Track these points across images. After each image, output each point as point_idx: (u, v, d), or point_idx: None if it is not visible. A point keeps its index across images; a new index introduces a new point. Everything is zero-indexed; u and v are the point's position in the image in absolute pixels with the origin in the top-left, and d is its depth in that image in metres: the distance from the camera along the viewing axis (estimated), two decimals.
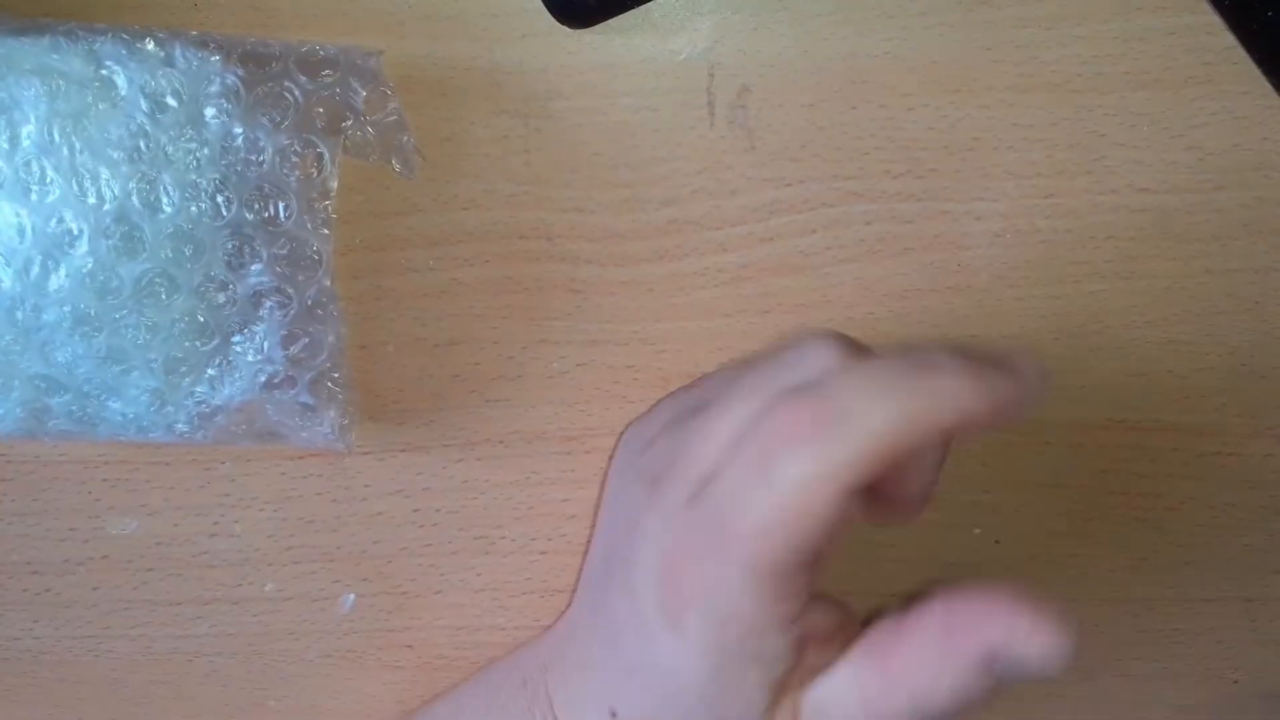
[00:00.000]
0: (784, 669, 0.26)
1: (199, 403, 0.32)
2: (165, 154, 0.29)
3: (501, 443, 0.39)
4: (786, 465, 0.23)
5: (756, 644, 0.25)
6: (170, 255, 0.30)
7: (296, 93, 0.31)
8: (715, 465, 0.25)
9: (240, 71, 0.30)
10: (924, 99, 0.35)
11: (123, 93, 0.29)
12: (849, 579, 0.39)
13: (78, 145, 0.29)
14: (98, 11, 0.35)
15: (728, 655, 0.25)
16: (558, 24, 0.34)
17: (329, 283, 0.33)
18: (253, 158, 0.30)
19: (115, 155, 0.29)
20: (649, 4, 0.34)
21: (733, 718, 0.26)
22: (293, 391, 0.32)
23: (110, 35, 0.30)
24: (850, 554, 0.39)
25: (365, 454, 0.39)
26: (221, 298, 0.31)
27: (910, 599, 0.27)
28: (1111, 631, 0.40)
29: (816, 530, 0.23)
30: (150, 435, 0.33)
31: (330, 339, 0.33)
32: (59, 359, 0.31)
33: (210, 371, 0.32)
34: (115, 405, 0.33)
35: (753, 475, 0.23)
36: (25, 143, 0.29)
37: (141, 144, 0.29)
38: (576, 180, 0.36)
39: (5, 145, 0.29)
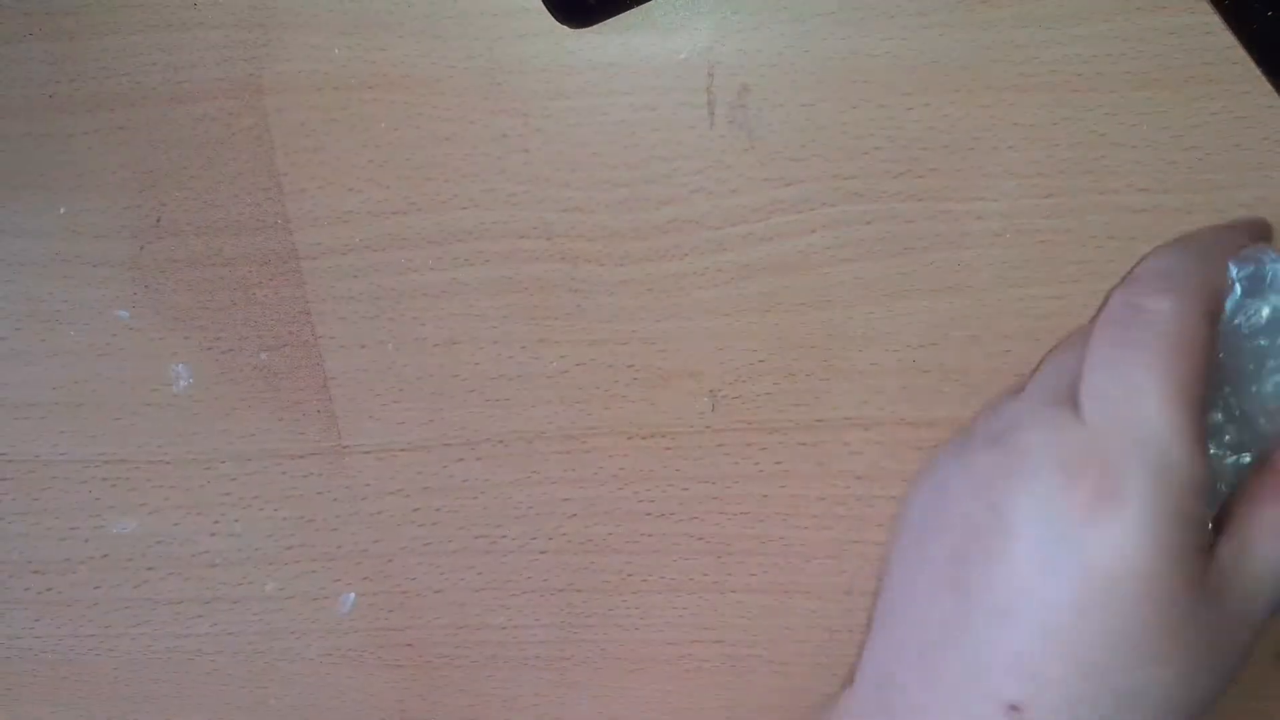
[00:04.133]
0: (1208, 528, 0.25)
1: None
2: None
3: (501, 442, 0.39)
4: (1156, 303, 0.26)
5: (1194, 499, 0.24)
6: None
7: None
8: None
9: None
10: (924, 98, 0.35)
11: None
12: (852, 580, 0.39)
13: None
14: (97, 12, 0.35)
15: (1169, 519, 0.24)
16: (558, 23, 0.34)
17: None
18: None
19: None
20: (649, 3, 0.34)
21: (1177, 599, 0.24)
22: None
23: None
24: (851, 554, 0.39)
25: (365, 454, 0.40)
26: None
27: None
28: None
29: (1202, 349, 0.25)
30: None
31: None
32: None
33: None
34: None
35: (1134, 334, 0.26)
36: None
37: None
38: (576, 179, 0.36)
39: None
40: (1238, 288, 0.34)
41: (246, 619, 0.42)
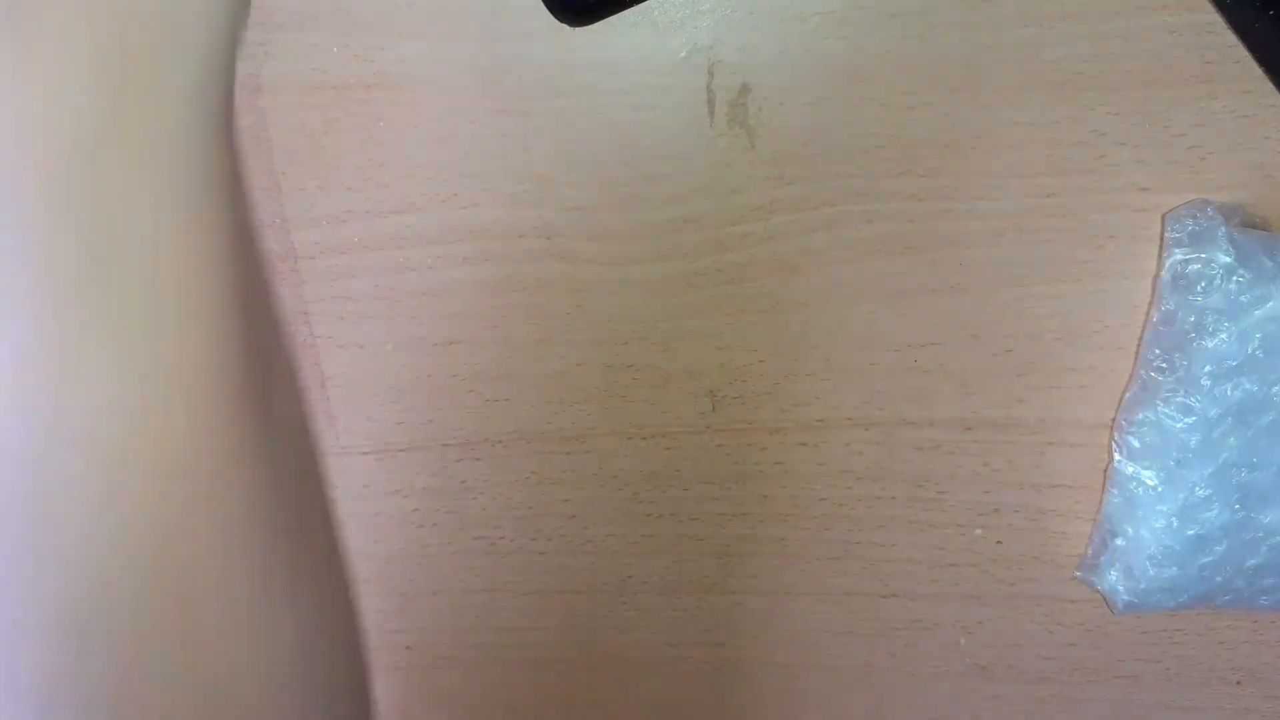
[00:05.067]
0: None
1: None
2: None
3: (501, 443, 0.39)
4: None
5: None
6: None
7: None
8: None
9: None
10: (925, 97, 0.35)
11: None
12: (852, 580, 0.39)
13: None
14: None
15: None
16: (558, 22, 0.34)
17: None
18: None
19: None
20: (649, 2, 0.34)
21: None
22: None
23: None
24: (852, 555, 0.39)
25: (364, 454, 0.39)
26: None
27: None
28: (1113, 632, 0.40)
29: None
30: None
31: None
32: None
33: None
34: None
35: None
36: None
37: None
38: (576, 179, 0.36)
39: None
40: (1174, 245, 0.35)
41: None
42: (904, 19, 0.34)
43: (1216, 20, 0.34)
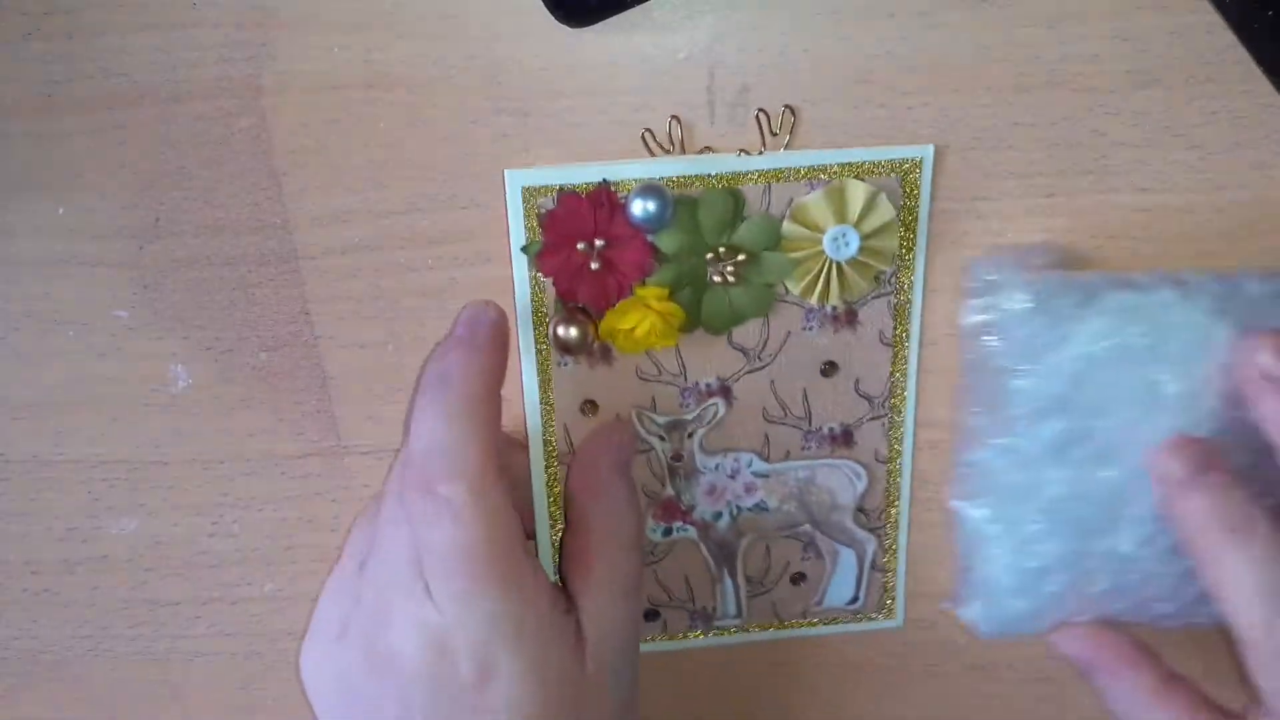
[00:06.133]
0: None
1: None
2: None
3: None
4: None
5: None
6: None
7: None
8: None
9: None
10: (924, 98, 0.35)
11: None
12: None
13: None
14: (96, 12, 0.35)
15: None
16: (558, 23, 0.34)
17: None
18: None
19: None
20: (649, 3, 0.34)
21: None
22: None
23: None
24: None
25: (365, 454, 0.39)
26: None
27: None
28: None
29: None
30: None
31: None
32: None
33: None
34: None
35: None
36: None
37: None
38: None
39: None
40: (972, 294, 0.35)
41: (245, 620, 0.42)
42: (902, 19, 0.34)
43: (1216, 20, 0.34)
